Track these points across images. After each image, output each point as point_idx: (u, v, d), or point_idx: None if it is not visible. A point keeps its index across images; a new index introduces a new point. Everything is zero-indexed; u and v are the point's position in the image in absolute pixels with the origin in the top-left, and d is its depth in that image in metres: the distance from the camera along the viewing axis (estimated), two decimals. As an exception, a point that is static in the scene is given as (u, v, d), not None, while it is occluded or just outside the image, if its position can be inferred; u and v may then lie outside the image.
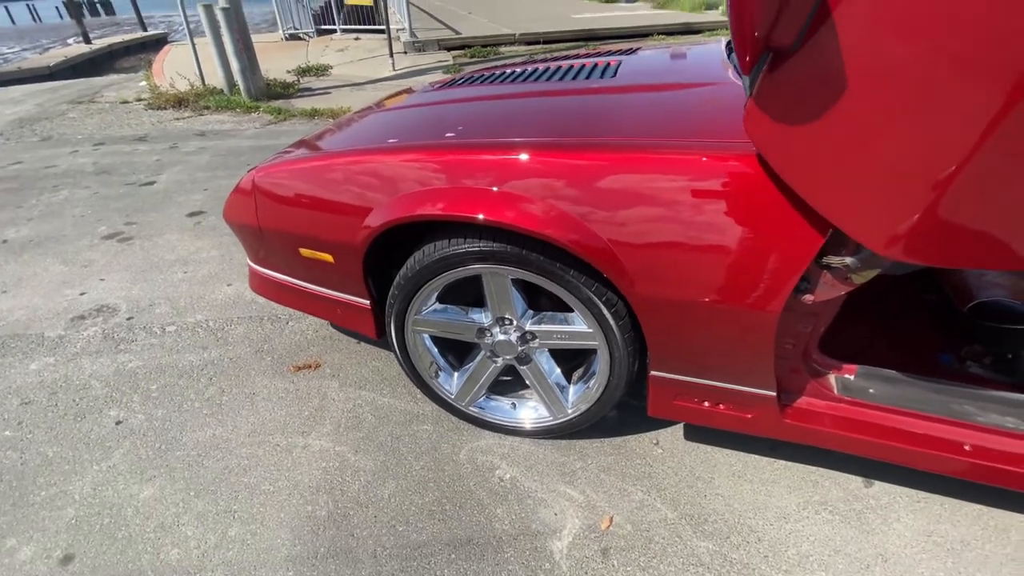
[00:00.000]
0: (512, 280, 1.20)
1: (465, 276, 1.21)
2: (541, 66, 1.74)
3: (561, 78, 1.56)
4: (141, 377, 1.75)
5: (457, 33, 8.83)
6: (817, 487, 1.32)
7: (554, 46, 8.13)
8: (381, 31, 7.34)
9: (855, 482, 1.32)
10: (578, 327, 1.21)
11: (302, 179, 1.34)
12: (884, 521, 1.22)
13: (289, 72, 7.04)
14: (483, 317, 1.31)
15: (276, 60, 7.67)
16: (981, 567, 1.12)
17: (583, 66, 1.64)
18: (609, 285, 1.10)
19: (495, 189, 1.09)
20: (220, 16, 5.57)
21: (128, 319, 2.05)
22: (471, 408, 1.46)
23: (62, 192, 3.35)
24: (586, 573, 1.15)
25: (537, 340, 1.30)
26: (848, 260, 0.89)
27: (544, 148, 1.10)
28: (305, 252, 1.40)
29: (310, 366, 1.76)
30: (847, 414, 1.13)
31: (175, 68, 7.08)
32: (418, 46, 7.97)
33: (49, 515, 1.29)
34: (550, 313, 1.27)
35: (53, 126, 5.19)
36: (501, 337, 1.31)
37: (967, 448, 1.05)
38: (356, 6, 8.93)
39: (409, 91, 2.04)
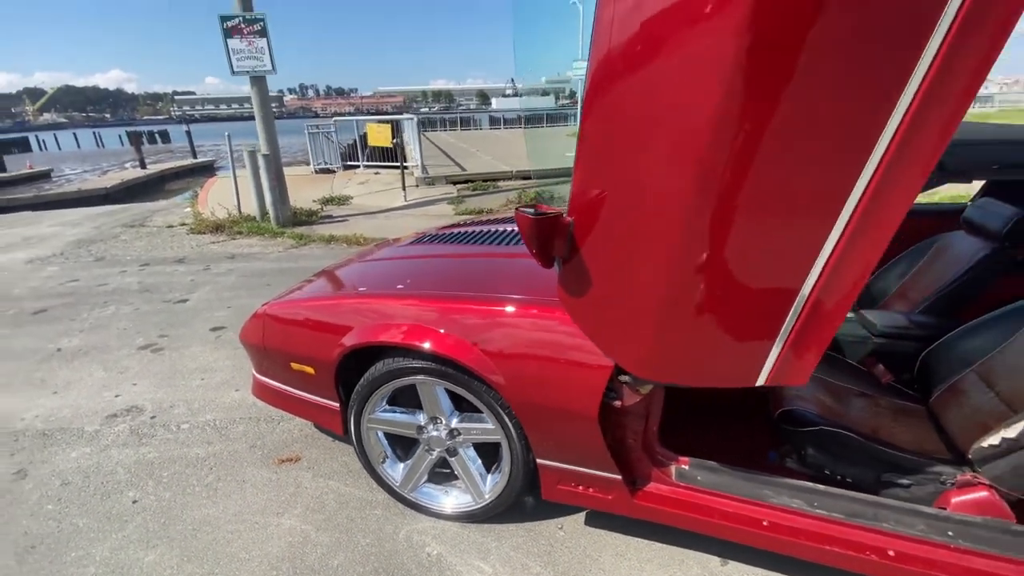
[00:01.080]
0: (443, 388, 1.65)
1: (405, 385, 1.67)
2: (479, 228, 2.36)
3: (485, 242, 2.16)
4: (156, 466, 2.15)
5: (463, 169, 10.12)
6: (682, 565, 1.63)
7: (544, 181, 9.24)
8: (398, 167, 8.52)
9: (714, 561, 1.64)
10: (486, 425, 1.64)
11: (296, 313, 1.88)
12: (726, 592, 1.52)
13: (315, 201, 8.10)
14: (420, 417, 1.74)
15: (305, 191, 8.82)
16: (793, 629, 1.41)
17: (505, 231, 2.25)
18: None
19: (424, 325, 1.59)
20: (260, 160, 6.67)
21: (152, 418, 2.50)
22: (411, 495, 1.83)
23: (110, 308, 3.97)
24: (483, 628, 1.46)
25: (461, 436, 1.72)
26: (627, 377, 1.34)
27: (455, 299, 1.63)
28: (295, 365, 1.88)
29: (292, 459, 2.16)
30: (683, 497, 1.50)
31: (218, 198, 8.20)
32: (428, 180, 9.15)
33: (76, 571, 1.65)
34: (469, 413, 1.70)
35: (107, 247, 6.04)
36: (434, 433, 1.73)
37: (765, 524, 1.40)
38: (377, 145, 10.37)
39: (386, 243, 2.67)
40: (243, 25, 6.38)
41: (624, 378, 1.35)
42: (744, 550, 1.51)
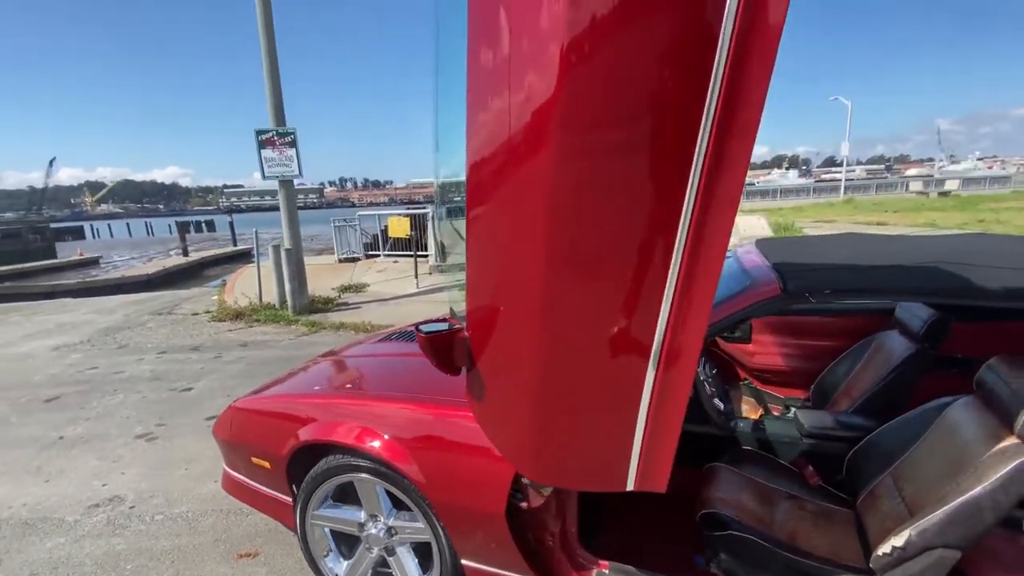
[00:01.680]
0: (381, 487, 1.74)
1: (345, 482, 1.76)
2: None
3: None
4: (123, 558, 2.23)
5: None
6: None
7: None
8: (407, 255, 9.02)
9: None
10: (417, 524, 1.70)
11: (257, 410, 2.03)
12: None
13: (333, 289, 8.54)
14: (361, 515, 1.81)
15: (326, 278, 9.30)
16: None
17: None
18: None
19: (365, 426, 1.72)
20: (283, 254, 7.18)
21: (130, 508, 2.60)
22: (352, 594, 1.85)
23: (119, 396, 4.21)
24: None
25: (398, 535, 1.77)
26: (526, 480, 1.42)
27: (384, 399, 1.77)
28: (255, 460, 2.00)
29: (250, 554, 2.21)
30: (604, 604, 1.51)
31: (244, 286, 8.71)
32: (442, 269, 9.58)
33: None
34: (404, 512, 1.76)
35: (132, 335, 6.43)
36: (373, 531, 1.79)
37: None
38: (397, 236, 11.02)
39: (358, 343, 2.85)
40: (276, 138, 7.17)
41: (524, 480, 1.43)
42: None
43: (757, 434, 1.99)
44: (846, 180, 33.52)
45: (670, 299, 0.96)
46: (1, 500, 2.70)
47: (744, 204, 28.74)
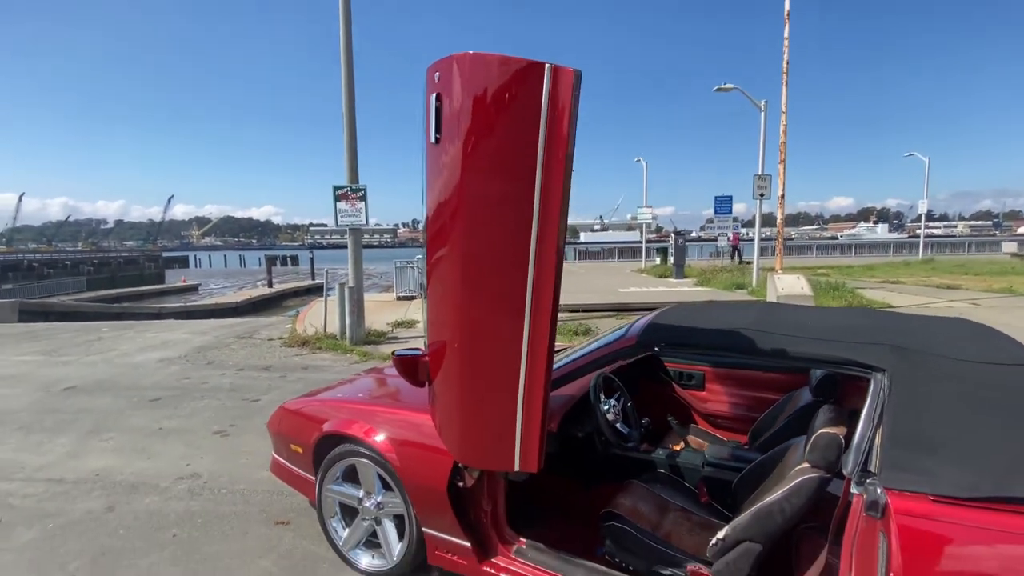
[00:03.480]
0: (376, 471, 2.38)
1: (350, 464, 2.43)
2: None
3: None
4: (196, 515, 3.00)
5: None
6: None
7: (591, 314, 10.04)
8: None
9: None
10: (396, 500, 2.32)
11: (297, 410, 2.76)
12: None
13: (388, 324, 9.50)
14: (360, 492, 2.46)
15: (383, 314, 10.33)
16: None
17: None
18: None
19: (370, 425, 2.39)
20: (346, 291, 8.24)
21: (204, 482, 3.40)
22: (348, 553, 2.48)
23: (204, 401, 5.19)
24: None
25: (384, 508, 2.40)
26: (460, 464, 2.00)
27: (379, 405, 2.44)
28: (293, 446, 2.73)
29: (285, 522, 2.90)
30: (517, 569, 2.04)
31: (312, 318, 9.89)
32: (485, 311, 10.35)
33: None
34: (389, 491, 2.39)
35: (218, 354, 7.61)
36: (367, 504, 2.43)
37: None
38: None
39: (381, 367, 3.56)
40: (349, 193, 8.38)
41: (460, 465, 2.03)
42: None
43: (671, 460, 2.47)
44: (946, 236, 31.48)
45: (527, 322, 1.58)
46: (117, 469, 3.61)
47: (809, 260, 27.68)
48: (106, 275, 35.92)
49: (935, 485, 1.29)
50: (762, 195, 13.30)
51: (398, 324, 9.60)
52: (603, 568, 1.94)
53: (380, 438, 2.30)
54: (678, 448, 2.61)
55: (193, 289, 32.96)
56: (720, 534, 1.79)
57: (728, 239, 21.66)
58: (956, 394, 1.45)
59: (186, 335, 9.38)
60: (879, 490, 1.34)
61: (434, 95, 1.57)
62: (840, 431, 1.67)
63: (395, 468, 2.24)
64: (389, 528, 2.41)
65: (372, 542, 2.50)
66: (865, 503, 1.37)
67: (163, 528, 2.86)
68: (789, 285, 9.38)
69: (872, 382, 1.58)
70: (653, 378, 3.29)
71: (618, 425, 2.40)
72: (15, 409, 5.01)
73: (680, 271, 17.59)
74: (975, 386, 1.46)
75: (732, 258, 22.90)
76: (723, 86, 14.04)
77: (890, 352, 1.61)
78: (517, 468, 1.78)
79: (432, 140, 1.64)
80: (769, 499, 1.71)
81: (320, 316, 9.29)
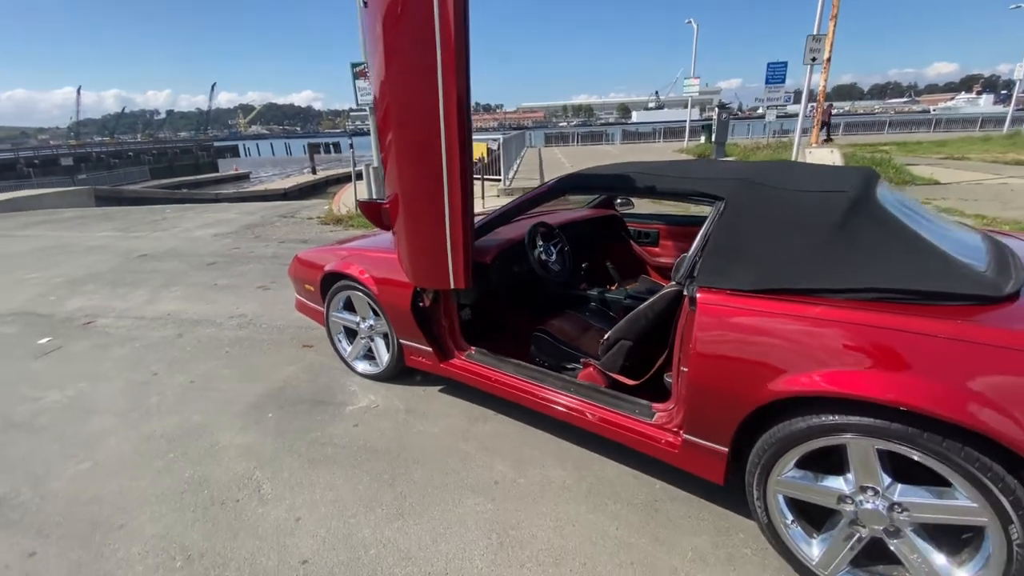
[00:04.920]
0: (364, 299, 3.00)
1: (348, 295, 3.06)
2: None
3: None
4: (243, 340, 3.83)
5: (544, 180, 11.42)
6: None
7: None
8: (492, 179, 10.15)
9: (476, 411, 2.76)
10: (382, 321, 2.95)
11: (307, 258, 3.38)
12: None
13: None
14: (356, 318, 3.11)
15: (411, 195, 10.83)
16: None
17: None
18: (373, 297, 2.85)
19: (362, 267, 2.96)
20: (371, 172, 8.71)
21: (250, 320, 4.24)
22: (351, 361, 3.22)
23: (250, 265, 6.04)
24: (357, 419, 2.79)
25: (374, 329, 3.05)
26: (418, 288, 2.55)
27: (364, 250, 2.98)
28: (307, 286, 3.39)
29: (309, 346, 3.69)
30: (469, 368, 2.67)
31: (346, 199, 10.53)
32: (508, 191, 10.63)
33: (182, 379, 3.33)
34: (379, 317, 3.02)
35: (264, 230, 8.46)
36: (363, 326, 3.09)
37: (507, 385, 2.51)
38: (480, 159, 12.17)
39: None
40: (367, 69, 8.46)
41: (417, 288, 2.58)
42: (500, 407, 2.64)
43: (601, 296, 2.95)
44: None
45: (449, 174, 2.02)
46: (183, 311, 4.51)
47: (879, 137, 25.23)
48: (164, 164, 37.82)
49: (730, 282, 1.69)
50: (814, 59, 12.13)
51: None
52: (527, 365, 2.53)
53: (366, 276, 2.88)
54: (613, 288, 3.08)
55: (245, 177, 34.40)
56: (606, 335, 2.30)
57: (812, 113, 19.85)
58: (768, 215, 1.77)
59: (236, 215, 10.30)
60: (695, 289, 1.76)
61: None
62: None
63: (377, 297, 2.84)
64: (380, 344, 3.10)
65: (368, 356, 3.22)
66: (688, 300, 1.80)
67: (219, 347, 3.72)
68: (821, 160, 9.03)
69: (713, 208, 1.92)
70: (615, 238, 3.68)
71: (552, 265, 2.87)
72: (102, 271, 6.04)
73: (721, 149, 16.77)
74: (786, 209, 1.77)
75: (828, 136, 21.07)
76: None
77: (735, 184, 1.91)
78: (452, 286, 2.31)
79: (361, 4, 1.96)
80: (639, 308, 2.17)
81: (351, 198, 9.90)
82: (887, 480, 1.46)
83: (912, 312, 1.42)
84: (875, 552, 1.57)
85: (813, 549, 1.65)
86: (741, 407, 1.65)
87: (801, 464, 1.62)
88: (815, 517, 1.69)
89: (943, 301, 1.43)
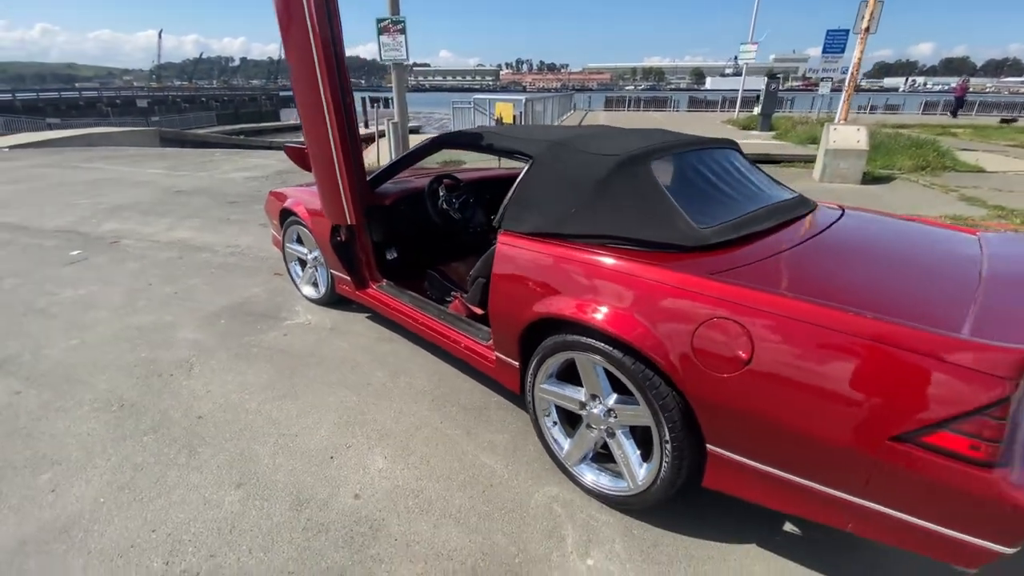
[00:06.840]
0: (309, 235, 3.53)
1: (295, 230, 3.59)
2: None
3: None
4: (229, 265, 4.49)
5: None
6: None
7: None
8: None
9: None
10: (316, 253, 3.48)
11: (276, 193, 3.93)
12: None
13: (437, 163, 10.48)
14: (304, 249, 3.65)
15: (435, 152, 11.27)
16: (399, 358, 3.02)
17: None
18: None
19: (299, 202, 3.47)
20: (392, 127, 9.21)
21: (242, 250, 4.90)
22: (300, 286, 3.79)
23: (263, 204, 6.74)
24: (291, 331, 3.37)
25: (311, 257, 3.59)
26: (332, 223, 3.03)
27: (311, 192, 3.48)
28: (274, 220, 3.95)
29: (280, 274, 4.29)
30: (379, 297, 3.15)
31: (373, 152, 11.11)
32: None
33: (178, 294, 4.02)
34: (316, 249, 3.54)
35: (292, 176, 9.18)
36: (308, 258, 3.63)
37: (406, 314, 2.98)
38: (499, 119, 12.39)
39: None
40: (391, 25, 8.83)
41: (334, 224, 3.06)
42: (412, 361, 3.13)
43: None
44: None
45: (332, 127, 2.48)
46: (192, 238, 5.25)
47: (964, 119, 23.11)
48: (231, 111, 39.97)
49: (520, 227, 2.06)
50: (867, 29, 11.35)
51: (447, 163, 10.52)
52: (419, 297, 2.98)
53: (303, 211, 3.39)
54: None
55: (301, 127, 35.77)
56: (471, 273, 2.71)
57: (951, 88, 18.33)
58: (559, 173, 2.08)
59: (275, 162, 11.12)
60: (500, 231, 2.14)
61: None
62: None
63: (310, 230, 3.35)
64: (322, 273, 3.64)
65: (315, 283, 3.77)
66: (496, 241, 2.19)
67: (208, 269, 4.40)
68: (843, 138, 8.69)
69: (526, 166, 2.26)
70: None
71: (454, 214, 3.26)
72: (141, 202, 6.93)
73: (767, 122, 16.06)
74: (573, 168, 2.08)
75: (954, 114, 19.54)
76: None
77: (547, 146, 2.23)
78: (348, 221, 2.79)
79: None
80: (490, 249, 2.56)
81: (374, 154, 10.45)
82: (608, 391, 1.85)
83: (624, 255, 1.76)
84: (607, 454, 1.97)
85: (565, 446, 2.07)
86: (516, 325, 2.05)
87: (560, 376, 2.02)
88: (574, 423, 2.10)
89: (649, 248, 1.76)
